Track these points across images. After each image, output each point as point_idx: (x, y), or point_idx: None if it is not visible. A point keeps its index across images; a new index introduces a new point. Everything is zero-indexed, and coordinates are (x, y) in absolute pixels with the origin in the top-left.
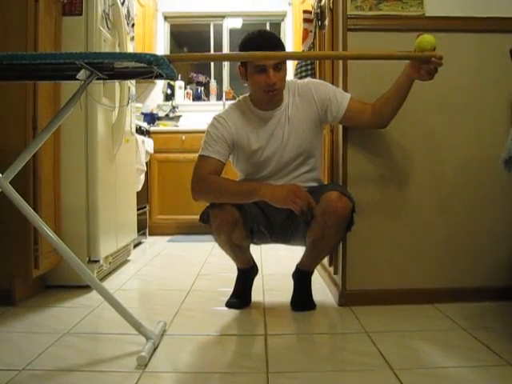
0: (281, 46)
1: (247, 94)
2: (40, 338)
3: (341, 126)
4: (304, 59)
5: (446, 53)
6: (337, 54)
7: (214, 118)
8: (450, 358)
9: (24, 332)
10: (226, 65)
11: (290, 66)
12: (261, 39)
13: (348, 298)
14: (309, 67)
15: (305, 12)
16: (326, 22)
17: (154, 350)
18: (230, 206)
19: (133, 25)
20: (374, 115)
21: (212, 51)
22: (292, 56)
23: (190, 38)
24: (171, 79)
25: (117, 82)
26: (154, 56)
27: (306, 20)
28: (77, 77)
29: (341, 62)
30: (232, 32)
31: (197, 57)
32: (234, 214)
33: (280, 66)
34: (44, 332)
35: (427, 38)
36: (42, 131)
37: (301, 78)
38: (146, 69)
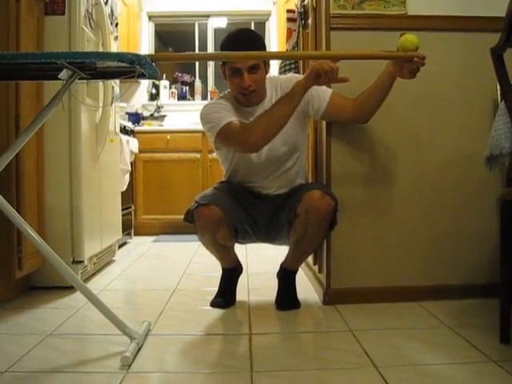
0: (260, 46)
1: (226, 93)
2: (23, 339)
3: (324, 125)
4: (287, 59)
5: (429, 52)
6: (321, 54)
7: (211, 103)
8: (433, 355)
9: (7, 334)
10: (210, 64)
11: (275, 63)
12: (238, 39)
13: (332, 296)
14: (292, 65)
15: (288, 11)
16: (310, 21)
17: (139, 350)
18: (214, 205)
19: (116, 24)
20: (355, 111)
21: (197, 51)
22: (275, 56)
23: (174, 38)
24: (154, 79)
25: (100, 82)
26: (137, 55)
27: (289, 19)
28: (59, 76)
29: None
30: (217, 31)
31: (180, 56)
32: (217, 213)
33: (256, 68)
34: (27, 333)
35: (410, 38)
36: (25, 131)
37: (284, 72)
38: (128, 68)
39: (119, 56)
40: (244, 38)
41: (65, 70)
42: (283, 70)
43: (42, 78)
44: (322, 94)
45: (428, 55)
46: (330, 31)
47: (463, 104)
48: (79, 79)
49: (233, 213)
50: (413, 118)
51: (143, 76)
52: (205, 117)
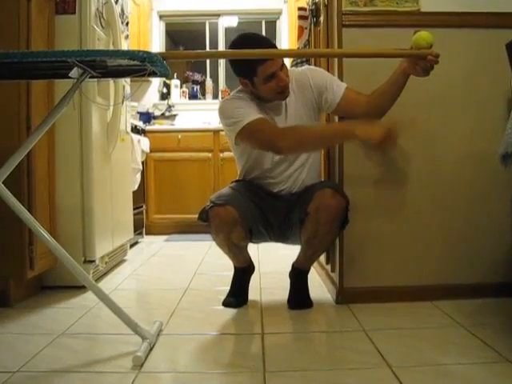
0: (271, 45)
1: (241, 89)
2: (35, 339)
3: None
4: (299, 57)
5: (442, 49)
6: (332, 52)
7: (232, 97)
8: (448, 355)
9: (19, 333)
10: (221, 63)
11: (287, 62)
12: (250, 39)
13: (345, 295)
14: (304, 63)
15: (300, 9)
16: (321, 19)
17: (150, 349)
18: (230, 206)
19: (127, 23)
20: (368, 107)
21: (208, 50)
22: (287, 54)
23: (185, 37)
24: (165, 77)
25: (111, 81)
26: (148, 53)
27: (300, 17)
28: (69, 75)
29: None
30: (227, 30)
31: (191, 54)
32: (233, 214)
33: (283, 64)
34: (39, 333)
35: (424, 36)
36: (35, 130)
37: (296, 65)
38: (139, 67)
39: (130, 54)
40: (255, 38)
41: (75, 69)
42: (294, 63)
43: (52, 77)
44: (337, 87)
45: (441, 52)
46: (342, 28)
47: (475, 100)
48: (90, 78)
49: (248, 213)
50: (425, 116)
51: (154, 74)
52: (226, 111)
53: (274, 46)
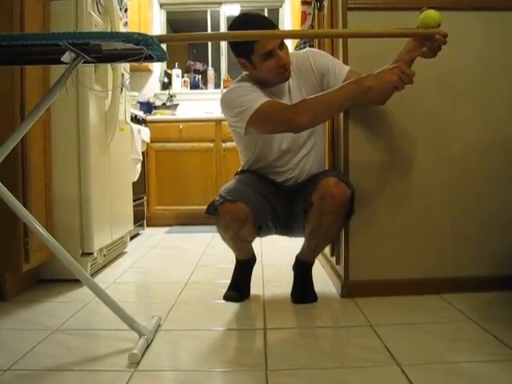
0: (272, 25)
1: (244, 75)
2: (29, 334)
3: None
4: (302, 38)
5: (451, 31)
6: (336, 32)
7: (233, 88)
8: (459, 351)
9: (13, 329)
10: (223, 53)
11: (290, 48)
12: (249, 18)
13: (351, 289)
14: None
15: None
16: (325, 3)
17: (148, 346)
18: (241, 202)
19: (126, 10)
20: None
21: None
22: (290, 35)
23: (186, 26)
24: (162, 61)
25: (109, 69)
26: (143, 35)
27: (304, 2)
28: (61, 59)
29: (340, 40)
30: (229, 19)
31: (188, 37)
32: (244, 211)
33: (282, 43)
34: (34, 328)
35: (431, 14)
36: (27, 118)
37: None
38: (135, 51)
39: (124, 36)
40: (255, 18)
41: (68, 53)
42: (298, 49)
43: (46, 63)
44: (339, 70)
45: (450, 36)
46: (347, 11)
47: (485, 86)
48: (84, 63)
49: (259, 210)
50: (432, 101)
51: (151, 58)
52: (231, 102)
53: (275, 26)
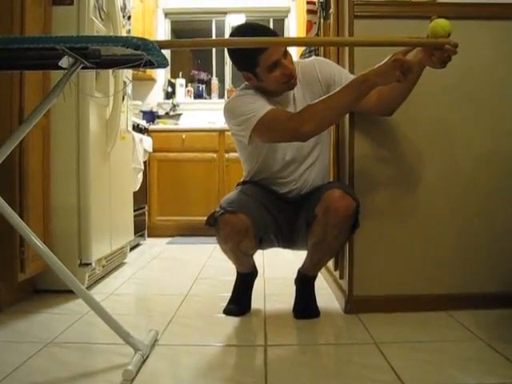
0: (273, 33)
1: (247, 83)
2: (21, 347)
3: (347, 122)
4: (307, 45)
5: (461, 41)
6: (342, 40)
7: (237, 96)
8: (468, 372)
9: (5, 341)
10: (228, 62)
11: (295, 56)
12: (256, 28)
13: (355, 304)
14: (313, 54)
15: (308, 3)
16: (332, 11)
17: (143, 362)
18: (242, 214)
19: (129, 17)
20: (379, 101)
21: (214, 49)
22: (294, 42)
23: (191, 36)
24: (162, 67)
25: (111, 77)
26: (142, 40)
27: (309, 11)
28: (59, 64)
29: (347, 48)
30: None
31: (189, 43)
32: (245, 223)
33: (286, 52)
34: (27, 341)
35: (441, 23)
36: (24, 122)
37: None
38: (135, 56)
39: (123, 40)
40: (256, 27)
41: (66, 58)
42: (302, 58)
43: (44, 68)
44: (345, 80)
45: (459, 45)
46: (354, 20)
47: (494, 96)
48: (83, 69)
49: (261, 222)
50: (441, 111)
51: (151, 64)
52: (234, 111)
53: (277, 36)
